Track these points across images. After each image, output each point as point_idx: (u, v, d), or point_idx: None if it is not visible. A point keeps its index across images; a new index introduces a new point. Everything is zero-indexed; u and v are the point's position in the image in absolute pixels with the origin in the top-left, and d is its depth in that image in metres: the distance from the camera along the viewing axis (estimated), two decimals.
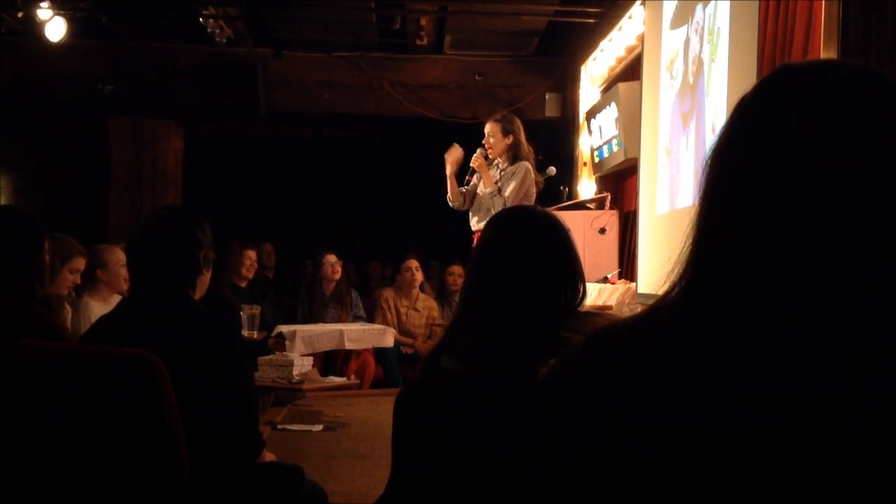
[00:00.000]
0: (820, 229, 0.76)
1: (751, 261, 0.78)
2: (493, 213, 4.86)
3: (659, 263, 4.93)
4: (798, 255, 0.76)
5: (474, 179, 5.31)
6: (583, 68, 7.64)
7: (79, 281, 4.16)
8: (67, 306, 4.17)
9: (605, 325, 0.87)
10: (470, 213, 5.34)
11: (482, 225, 4.91)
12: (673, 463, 0.76)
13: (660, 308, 0.84)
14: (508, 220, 1.87)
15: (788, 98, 0.82)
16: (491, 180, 5.17)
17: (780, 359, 0.75)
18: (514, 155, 5.22)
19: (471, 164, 5.28)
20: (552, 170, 5.59)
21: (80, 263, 4.12)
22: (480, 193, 5.25)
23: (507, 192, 5.08)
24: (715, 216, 0.83)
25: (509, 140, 5.23)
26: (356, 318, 7.04)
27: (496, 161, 5.26)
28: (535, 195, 5.19)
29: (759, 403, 0.74)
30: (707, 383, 0.77)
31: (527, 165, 5.17)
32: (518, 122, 5.37)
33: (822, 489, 0.72)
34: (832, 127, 0.78)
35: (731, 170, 0.83)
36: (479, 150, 5.27)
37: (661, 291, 0.86)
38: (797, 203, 0.77)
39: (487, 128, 5.33)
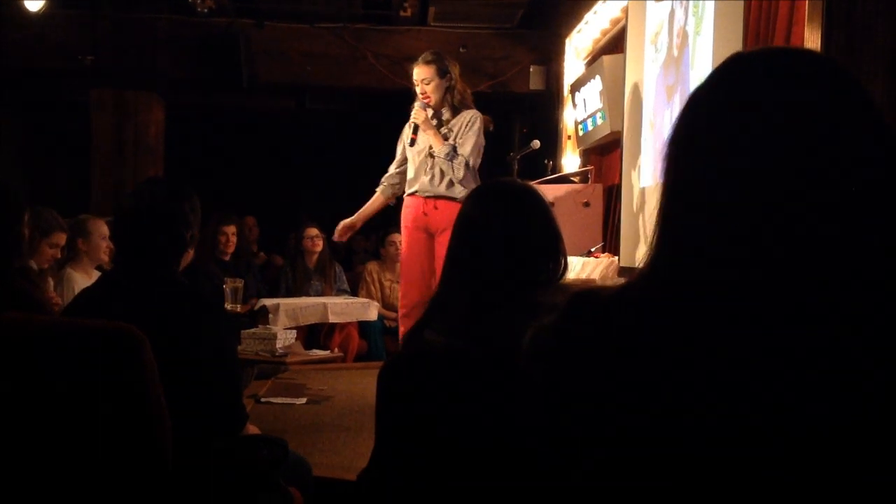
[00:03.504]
0: (773, 213, 0.80)
1: (707, 242, 0.83)
2: (450, 175, 4.38)
3: (642, 237, 4.95)
4: (756, 236, 0.81)
5: (419, 138, 4.53)
6: (567, 41, 7.61)
7: (59, 255, 4.14)
8: (49, 279, 4.15)
9: (588, 289, 0.92)
10: (412, 176, 4.58)
11: (440, 188, 4.42)
12: (648, 428, 0.79)
13: (634, 281, 0.89)
14: (489, 195, 1.87)
15: (742, 92, 0.86)
16: (440, 139, 4.43)
17: (735, 334, 0.79)
18: (452, 103, 4.51)
19: (413, 121, 4.51)
20: (536, 143, 5.57)
21: (61, 238, 4.09)
22: (423, 154, 4.51)
23: (467, 150, 4.41)
24: (675, 200, 0.88)
25: (448, 82, 4.49)
26: (340, 292, 7.04)
27: (435, 112, 4.53)
28: (484, 143, 4.53)
29: (715, 373, 0.78)
30: (672, 353, 0.81)
31: (477, 114, 4.49)
32: (451, 60, 4.59)
33: (793, 460, 0.74)
34: (784, 119, 0.83)
35: (688, 161, 0.88)
36: (417, 104, 4.51)
37: (640, 265, 0.89)
38: (752, 193, 0.82)
39: (418, 72, 4.52)
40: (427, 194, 4.51)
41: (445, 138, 4.48)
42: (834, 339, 0.76)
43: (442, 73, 4.48)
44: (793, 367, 0.76)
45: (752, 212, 0.81)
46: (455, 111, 4.52)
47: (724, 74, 0.90)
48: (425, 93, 4.50)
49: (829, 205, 0.79)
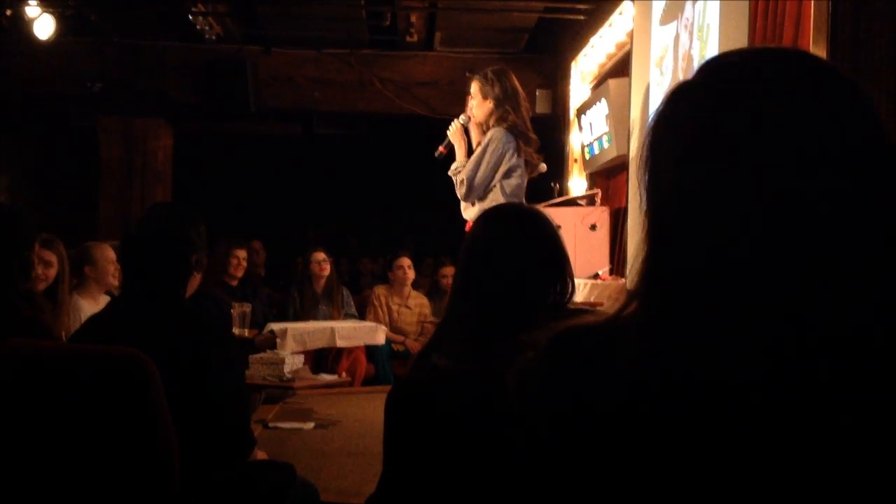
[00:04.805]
0: (766, 231, 0.77)
1: (690, 253, 0.81)
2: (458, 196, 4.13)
3: None
4: (739, 251, 0.78)
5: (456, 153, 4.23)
6: (573, 65, 7.65)
7: (50, 275, 4.01)
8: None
9: (570, 325, 0.88)
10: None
11: (463, 209, 4.16)
12: (647, 459, 0.77)
13: (623, 311, 0.86)
14: (495, 218, 1.88)
15: (721, 100, 0.82)
16: (463, 155, 4.17)
17: (725, 350, 0.76)
18: (490, 124, 4.16)
19: (447, 133, 4.27)
20: (543, 166, 5.56)
21: (46, 254, 3.95)
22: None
23: (466, 169, 4.07)
24: (656, 215, 0.87)
25: (489, 104, 4.15)
26: (347, 316, 7.03)
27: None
28: (521, 170, 4.13)
29: (705, 390, 0.76)
30: (659, 375, 0.78)
31: (493, 134, 4.08)
32: (506, 82, 4.24)
33: (793, 478, 0.72)
34: (767, 123, 0.79)
35: (670, 181, 0.86)
36: (461, 117, 4.28)
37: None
38: (734, 199, 0.78)
39: (470, 86, 4.27)
40: (465, 217, 4.24)
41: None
42: (840, 365, 0.74)
43: (484, 94, 4.17)
44: (794, 394, 0.73)
45: (744, 232, 0.77)
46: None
47: (706, 82, 0.85)
48: (469, 108, 4.24)
49: (824, 219, 0.76)
